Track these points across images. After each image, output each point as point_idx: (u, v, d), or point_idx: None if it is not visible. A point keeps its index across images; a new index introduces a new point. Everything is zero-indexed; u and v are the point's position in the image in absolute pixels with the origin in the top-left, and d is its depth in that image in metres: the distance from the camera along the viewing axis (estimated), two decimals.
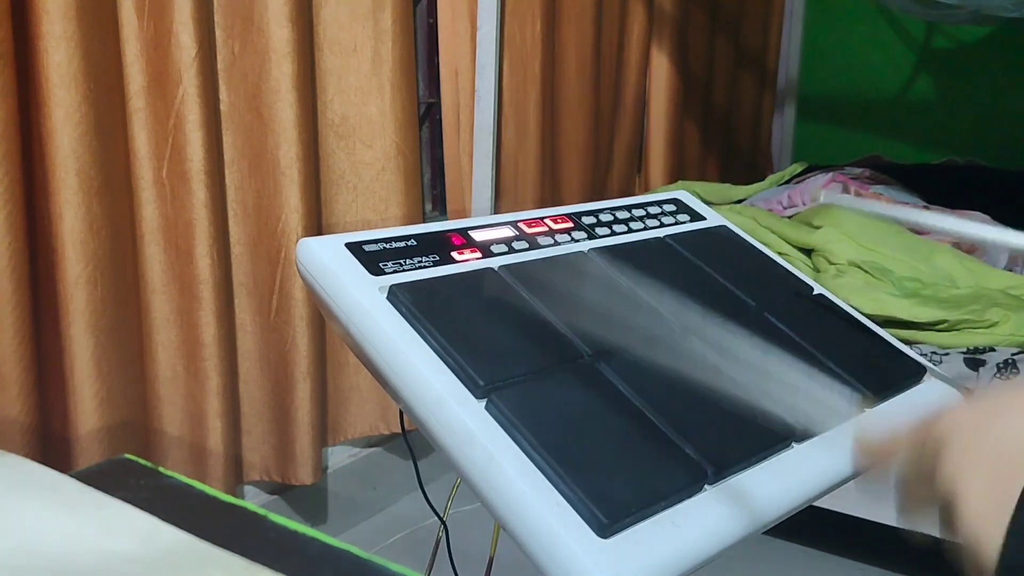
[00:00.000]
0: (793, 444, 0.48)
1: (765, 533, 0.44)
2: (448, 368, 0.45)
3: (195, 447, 1.21)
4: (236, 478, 1.30)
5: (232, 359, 1.26)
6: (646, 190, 2.09)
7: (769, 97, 2.60)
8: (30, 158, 1.01)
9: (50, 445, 1.04)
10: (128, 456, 0.56)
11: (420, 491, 0.62)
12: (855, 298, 1.24)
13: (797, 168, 1.99)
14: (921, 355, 0.61)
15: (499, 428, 0.42)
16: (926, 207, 1.63)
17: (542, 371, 0.46)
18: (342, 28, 1.34)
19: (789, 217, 1.59)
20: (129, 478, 0.54)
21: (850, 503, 1.22)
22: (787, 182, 1.92)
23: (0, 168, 0.94)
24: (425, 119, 1.72)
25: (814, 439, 0.48)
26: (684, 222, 0.66)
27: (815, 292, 0.63)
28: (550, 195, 1.78)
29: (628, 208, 0.64)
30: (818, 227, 1.44)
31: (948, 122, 2.40)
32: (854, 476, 0.48)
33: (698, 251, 0.62)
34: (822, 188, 1.71)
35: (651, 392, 0.46)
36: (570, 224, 0.60)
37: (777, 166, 2.62)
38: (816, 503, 0.48)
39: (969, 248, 1.46)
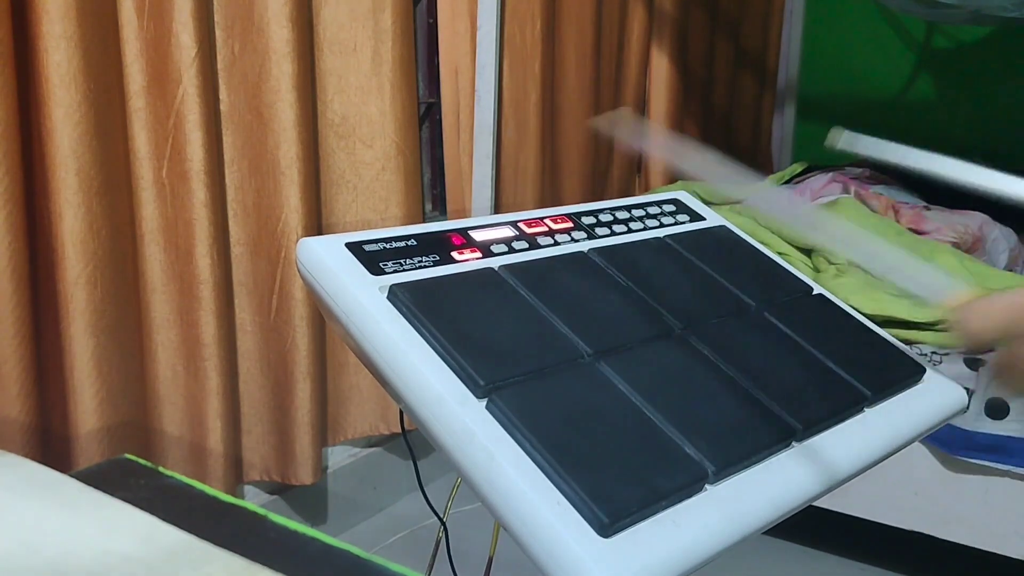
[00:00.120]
0: (793, 444, 0.48)
1: (765, 533, 0.44)
2: (448, 368, 0.45)
3: (195, 447, 1.21)
4: (236, 478, 1.30)
5: (232, 359, 1.26)
6: (646, 190, 2.09)
7: (769, 97, 2.60)
8: (30, 158, 1.01)
9: (50, 445, 1.04)
10: (128, 456, 0.56)
11: (420, 491, 0.62)
12: (855, 298, 1.23)
13: (797, 168, 1.99)
14: (921, 355, 0.61)
15: (499, 428, 0.42)
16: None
17: (542, 371, 0.46)
18: (342, 28, 1.34)
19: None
20: (129, 478, 0.53)
21: (850, 503, 1.22)
22: (787, 182, 1.92)
23: (0, 168, 0.94)
24: (425, 119, 1.72)
25: (814, 439, 0.48)
26: (684, 222, 0.66)
27: (815, 292, 0.63)
28: (550, 195, 1.78)
29: (628, 208, 0.64)
30: None
31: (948, 122, 2.40)
32: (854, 476, 0.48)
33: (698, 251, 0.62)
34: (822, 188, 1.71)
35: (651, 392, 0.46)
36: (570, 224, 0.60)
37: (777, 166, 2.62)
38: (816, 503, 0.48)
39: (969, 248, 1.46)
